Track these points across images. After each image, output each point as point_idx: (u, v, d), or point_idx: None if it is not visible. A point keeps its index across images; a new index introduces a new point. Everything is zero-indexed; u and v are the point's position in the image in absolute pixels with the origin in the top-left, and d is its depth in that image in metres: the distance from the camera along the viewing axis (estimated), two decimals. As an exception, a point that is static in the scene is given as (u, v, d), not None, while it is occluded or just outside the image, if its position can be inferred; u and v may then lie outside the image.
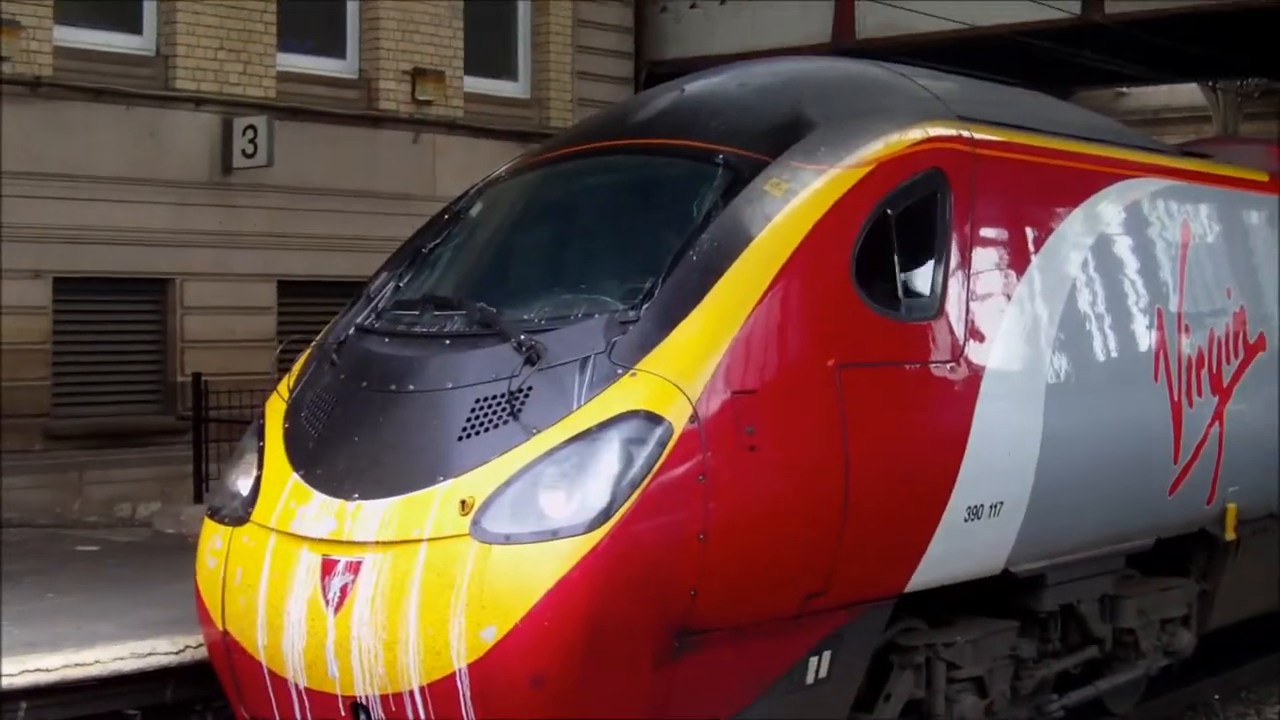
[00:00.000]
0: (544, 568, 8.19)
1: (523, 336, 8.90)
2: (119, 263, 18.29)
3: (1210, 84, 31.27)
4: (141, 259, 18.45)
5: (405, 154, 20.83)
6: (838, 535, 9.08)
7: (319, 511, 8.92)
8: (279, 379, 10.19)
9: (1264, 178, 14.06)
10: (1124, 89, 32.27)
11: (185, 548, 13.66)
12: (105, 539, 16.22)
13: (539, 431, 8.57)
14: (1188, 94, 33.01)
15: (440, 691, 8.33)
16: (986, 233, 10.49)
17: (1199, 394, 12.24)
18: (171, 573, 12.89)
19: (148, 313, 18.78)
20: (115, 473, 18.11)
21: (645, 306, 8.93)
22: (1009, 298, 10.53)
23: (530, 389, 8.73)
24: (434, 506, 8.54)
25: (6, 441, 17.20)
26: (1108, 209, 11.70)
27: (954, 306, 10.10)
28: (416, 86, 20.86)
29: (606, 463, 8.38)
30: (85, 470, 17.96)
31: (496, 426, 8.69)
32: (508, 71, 22.70)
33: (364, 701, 8.59)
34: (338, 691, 8.67)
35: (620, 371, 8.66)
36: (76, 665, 10.00)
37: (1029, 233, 10.87)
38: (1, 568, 13.10)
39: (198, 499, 17.21)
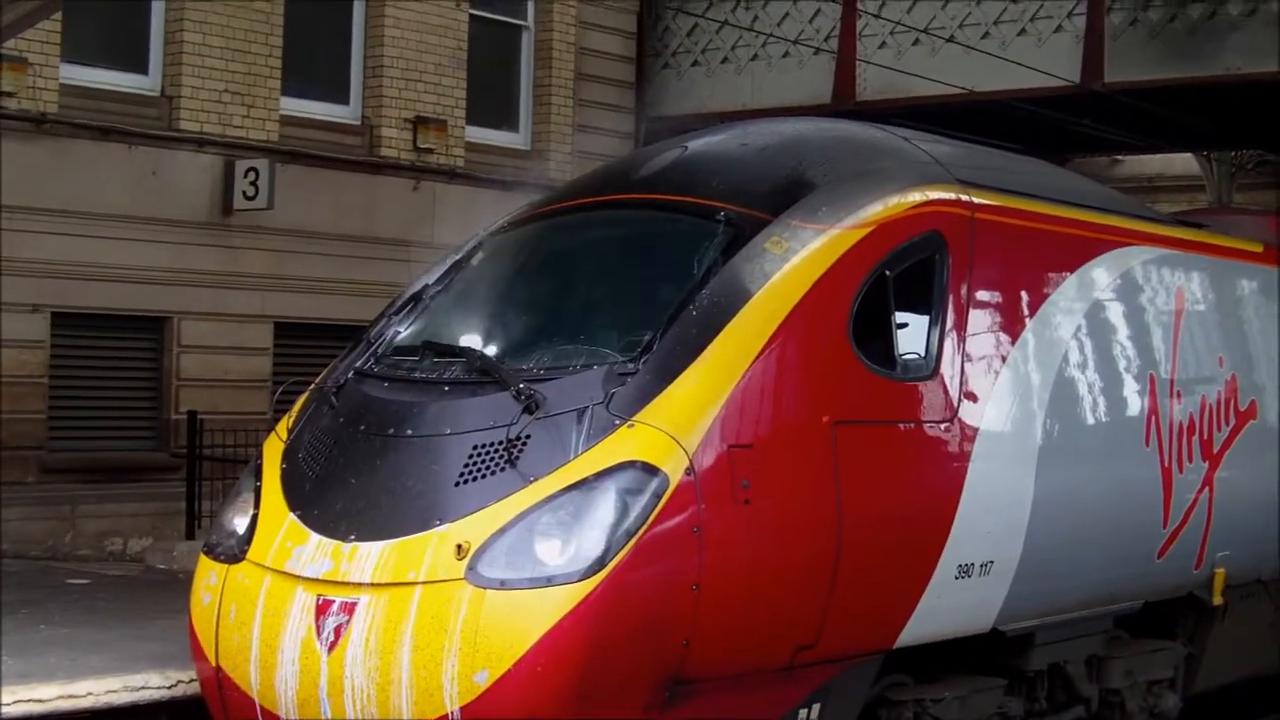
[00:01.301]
0: (538, 614, 8.25)
1: (521, 385, 8.97)
2: (117, 300, 18.39)
3: (1205, 154, 31.45)
4: (140, 297, 18.55)
5: (405, 201, 20.95)
6: (829, 589, 9.16)
7: (315, 552, 8.97)
8: (276, 420, 10.25)
9: (1258, 248, 14.16)
10: (1119, 157, 32.43)
11: (176, 583, 13.75)
12: (96, 573, 16.27)
13: (536, 479, 8.64)
14: (1182, 163, 33.19)
15: (432, 733, 8.40)
16: (983, 296, 10.59)
17: (1189, 460, 12.33)
18: (163, 608, 12.95)
19: (144, 350, 18.87)
20: (108, 507, 18.17)
21: (644, 359, 9.02)
22: (1003, 360, 10.63)
23: (528, 437, 8.81)
24: (430, 550, 8.60)
25: (1, 473, 17.25)
26: (1102, 275, 11.80)
27: (949, 368, 10.19)
28: (418, 134, 21.01)
29: (602, 512, 8.46)
30: (78, 504, 18.02)
31: (494, 473, 8.77)
32: (509, 123, 22.85)
33: (356, 741, 8.65)
34: (330, 731, 8.73)
35: (618, 422, 8.74)
36: (69, 696, 10.03)
37: (1024, 297, 10.98)
38: (-1, 598, 13.18)
39: (189, 535, 17.29)
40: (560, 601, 8.26)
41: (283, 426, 9.96)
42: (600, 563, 8.32)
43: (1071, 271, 11.48)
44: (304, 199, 19.78)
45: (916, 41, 21.89)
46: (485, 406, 9.05)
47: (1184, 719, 13.09)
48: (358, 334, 10.52)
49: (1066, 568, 10.99)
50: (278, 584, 9.04)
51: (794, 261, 9.48)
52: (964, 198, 10.63)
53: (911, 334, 10.09)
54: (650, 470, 8.58)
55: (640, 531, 8.43)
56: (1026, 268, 11.13)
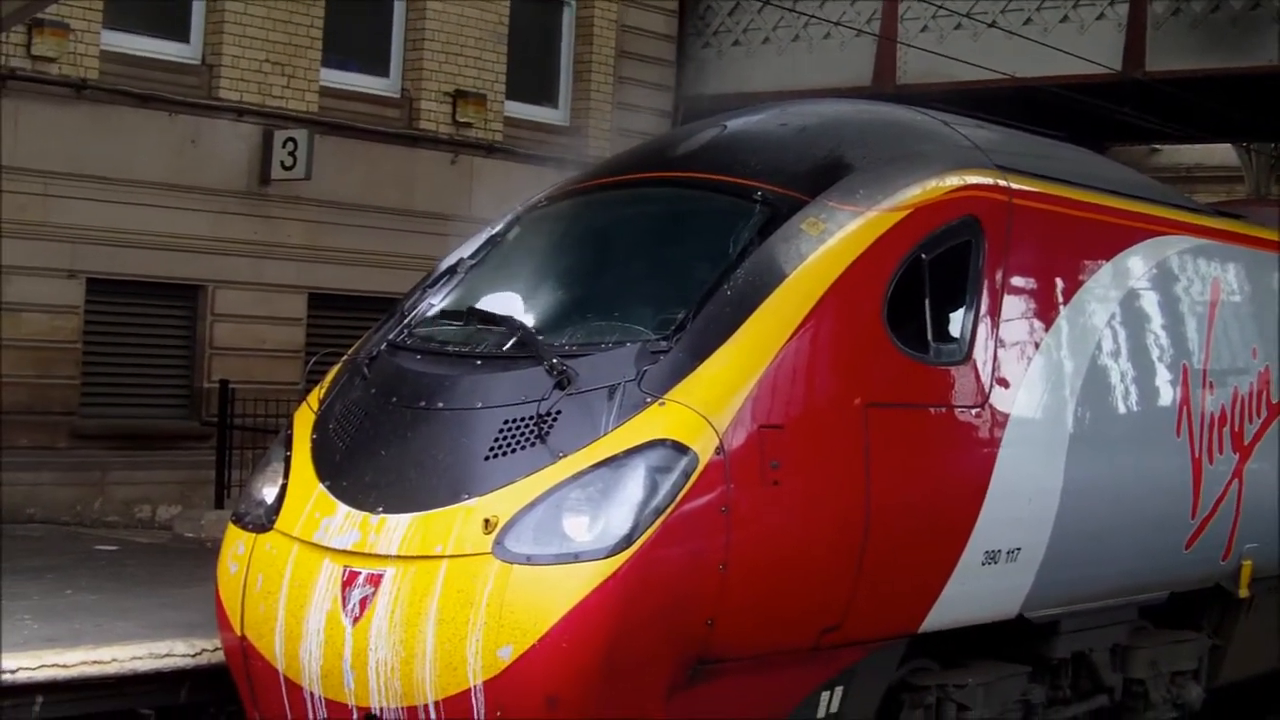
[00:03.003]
0: (564, 590, 8.25)
1: (554, 360, 8.97)
2: (153, 267, 18.43)
3: (1244, 145, 31.33)
4: (175, 264, 18.59)
5: (443, 174, 20.95)
6: (856, 572, 9.15)
7: (343, 523, 8.98)
8: (307, 390, 10.26)
9: (1296, 241, 14.10)
10: (1158, 146, 32.32)
11: (204, 552, 13.82)
12: (125, 539, 16.34)
13: (565, 455, 8.63)
14: (1221, 154, 33.09)
15: (455, 707, 8.39)
16: (1017, 281, 10.56)
17: (1220, 451, 12.28)
18: (190, 576, 12.99)
19: (179, 318, 18.91)
20: (138, 474, 18.22)
21: (677, 337, 9.00)
22: (1037, 347, 10.60)
23: (559, 413, 8.80)
24: (457, 524, 8.60)
25: (33, 438, 17.33)
26: (1138, 264, 11.76)
27: (982, 353, 10.16)
28: (457, 108, 20.99)
29: (631, 489, 8.44)
30: (108, 470, 18.07)
31: (523, 448, 8.76)
32: (548, 98, 22.82)
33: (378, 713, 8.64)
34: (352, 703, 8.72)
35: (649, 400, 8.72)
36: (94, 662, 10.03)
37: (1059, 284, 10.94)
38: (23, 563, 13.19)
39: (218, 504, 17.36)
40: (586, 578, 8.25)
41: (314, 397, 9.96)
42: (628, 540, 8.31)
43: (1107, 259, 11.44)
44: (341, 170, 19.80)
45: (959, 26, 21.83)
46: (517, 381, 9.05)
47: (1207, 711, 13.08)
48: (392, 306, 10.53)
49: (1094, 556, 10.96)
50: (305, 554, 9.04)
51: (830, 243, 9.46)
52: (1002, 183, 10.60)
53: (945, 318, 10.07)
54: (680, 449, 8.56)
55: (668, 510, 8.41)
56: (1062, 254, 11.10)
